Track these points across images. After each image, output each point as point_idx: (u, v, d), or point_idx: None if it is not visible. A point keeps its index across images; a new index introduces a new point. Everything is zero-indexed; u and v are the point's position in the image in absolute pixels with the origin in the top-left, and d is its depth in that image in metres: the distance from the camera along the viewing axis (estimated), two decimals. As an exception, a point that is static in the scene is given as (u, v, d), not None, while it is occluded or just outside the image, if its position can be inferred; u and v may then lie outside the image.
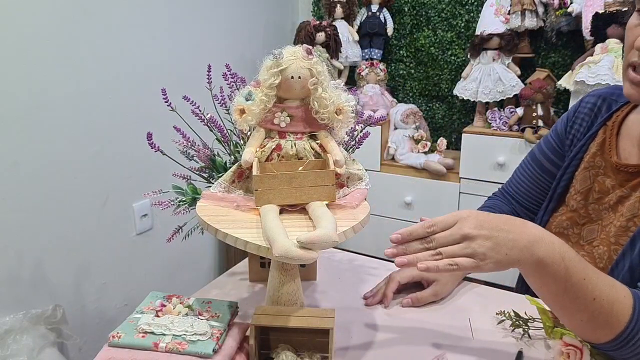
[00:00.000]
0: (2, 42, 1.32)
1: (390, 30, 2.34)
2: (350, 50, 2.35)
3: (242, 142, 0.89)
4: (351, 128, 0.87)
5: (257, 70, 0.75)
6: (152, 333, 0.70)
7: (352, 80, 2.43)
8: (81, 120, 1.54)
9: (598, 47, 1.78)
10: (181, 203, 0.89)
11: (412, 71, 2.45)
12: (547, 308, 0.82)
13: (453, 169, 2.14)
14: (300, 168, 0.74)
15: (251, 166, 0.74)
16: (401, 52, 2.45)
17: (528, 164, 1.05)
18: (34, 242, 1.46)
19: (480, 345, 0.84)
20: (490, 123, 2.08)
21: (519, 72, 2.06)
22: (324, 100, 0.73)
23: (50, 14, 1.42)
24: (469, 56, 2.12)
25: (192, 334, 0.69)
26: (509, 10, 2.02)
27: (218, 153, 0.90)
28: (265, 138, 0.76)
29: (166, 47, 1.81)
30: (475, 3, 2.21)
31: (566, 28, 1.96)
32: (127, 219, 1.75)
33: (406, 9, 2.38)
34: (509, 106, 2.08)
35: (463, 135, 2.09)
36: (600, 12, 1.78)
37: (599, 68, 1.71)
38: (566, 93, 1.97)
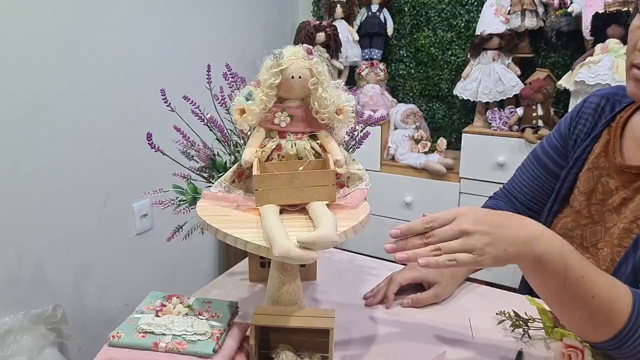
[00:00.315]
0: (2, 42, 1.31)
1: (390, 30, 2.34)
2: (350, 50, 2.34)
3: (242, 142, 0.88)
4: (351, 128, 0.87)
5: (257, 70, 0.75)
6: (152, 333, 0.70)
7: (352, 80, 2.43)
8: (81, 120, 1.54)
9: (598, 47, 1.78)
10: (181, 203, 0.89)
11: (412, 71, 2.45)
12: (548, 308, 0.82)
13: (453, 169, 2.14)
14: (301, 168, 0.74)
15: (251, 166, 0.74)
16: (401, 52, 2.45)
17: (530, 165, 1.05)
18: (34, 242, 1.46)
19: (480, 345, 0.84)
20: (490, 123, 2.08)
21: (519, 72, 2.06)
22: (324, 100, 0.73)
23: (50, 14, 1.41)
24: (469, 56, 2.12)
25: (192, 334, 0.69)
26: (509, 10, 2.02)
27: (218, 153, 0.90)
28: (266, 138, 0.76)
29: (166, 47, 1.81)
30: (475, 3, 2.21)
31: (566, 28, 1.96)
32: (127, 219, 1.75)
33: (406, 9, 2.38)
34: (509, 106, 2.08)
35: (463, 135, 2.09)
36: (600, 12, 1.78)
37: (599, 68, 1.71)
38: (566, 93, 1.97)
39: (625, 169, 0.85)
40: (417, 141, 2.24)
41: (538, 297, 0.88)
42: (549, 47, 2.13)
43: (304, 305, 0.80)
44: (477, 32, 2.08)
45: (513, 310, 0.88)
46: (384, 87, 2.36)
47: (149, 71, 1.74)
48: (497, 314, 0.89)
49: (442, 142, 2.20)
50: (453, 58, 2.33)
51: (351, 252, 1.18)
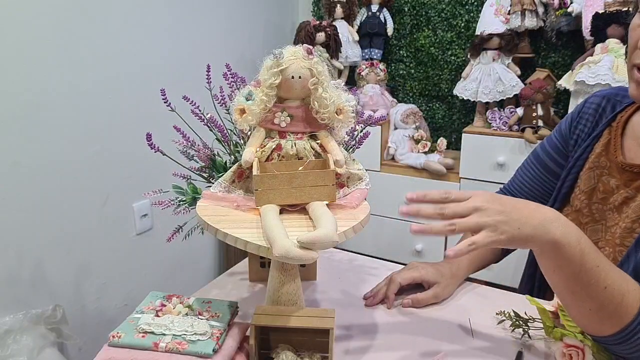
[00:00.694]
0: (2, 42, 1.32)
1: (390, 30, 2.34)
2: (350, 50, 2.34)
3: (242, 142, 0.88)
4: (351, 128, 0.87)
5: (257, 70, 0.74)
6: (152, 333, 0.70)
7: (352, 80, 2.43)
8: (81, 120, 1.54)
9: (598, 47, 1.78)
10: (181, 203, 0.89)
11: (412, 71, 2.44)
12: (548, 308, 0.82)
13: (453, 169, 2.14)
14: (301, 168, 0.74)
15: (251, 166, 0.74)
16: (401, 52, 2.45)
17: (531, 165, 1.05)
18: (34, 242, 1.46)
19: (480, 345, 0.84)
20: (490, 123, 2.08)
21: (519, 72, 2.06)
22: (324, 100, 0.73)
23: (50, 14, 1.41)
24: (469, 56, 2.12)
25: (192, 334, 0.69)
26: (509, 10, 2.02)
27: (218, 153, 0.90)
28: (266, 138, 0.76)
29: (166, 47, 1.81)
30: (475, 3, 2.21)
31: (566, 28, 1.96)
32: (127, 219, 1.75)
33: (406, 9, 2.38)
34: (509, 106, 2.08)
35: (463, 135, 2.09)
36: (600, 12, 1.78)
37: (599, 68, 1.71)
38: (566, 93, 1.97)
39: (626, 168, 0.85)
40: (417, 141, 2.24)
41: (538, 297, 0.88)
42: (549, 47, 2.13)
43: (304, 305, 0.80)
44: (477, 32, 2.08)
45: (513, 310, 0.88)
46: (384, 87, 2.36)
47: (148, 71, 1.74)
48: (497, 314, 0.89)
49: (442, 142, 2.20)
50: (453, 58, 2.33)
51: (351, 252, 1.18)
